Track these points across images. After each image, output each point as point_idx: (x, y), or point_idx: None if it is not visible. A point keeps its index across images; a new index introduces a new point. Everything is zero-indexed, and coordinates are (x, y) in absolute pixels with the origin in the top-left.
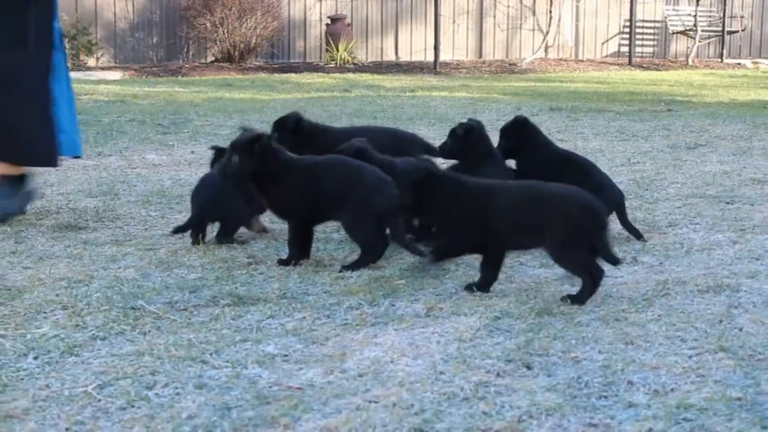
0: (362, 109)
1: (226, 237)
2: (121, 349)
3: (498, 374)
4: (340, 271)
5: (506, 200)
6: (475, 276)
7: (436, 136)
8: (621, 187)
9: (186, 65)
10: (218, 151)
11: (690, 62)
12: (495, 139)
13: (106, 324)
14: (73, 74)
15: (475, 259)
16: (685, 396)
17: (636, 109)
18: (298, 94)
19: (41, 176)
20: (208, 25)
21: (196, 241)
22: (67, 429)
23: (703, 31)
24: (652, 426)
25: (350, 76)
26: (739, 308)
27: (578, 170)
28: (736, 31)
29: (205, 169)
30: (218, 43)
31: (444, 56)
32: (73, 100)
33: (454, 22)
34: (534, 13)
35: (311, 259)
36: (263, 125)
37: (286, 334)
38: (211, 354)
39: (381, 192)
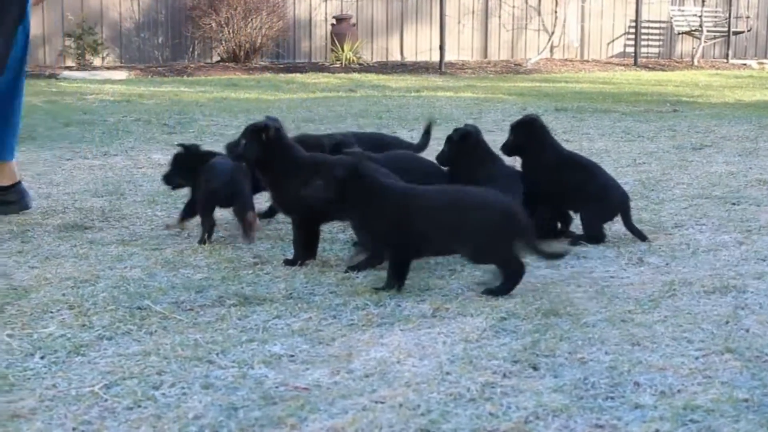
0: (367, 109)
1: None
2: (128, 349)
3: (504, 375)
4: (346, 272)
5: (425, 203)
6: (480, 276)
7: (441, 136)
8: (626, 187)
9: (191, 65)
10: (184, 148)
11: (695, 63)
12: (499, 140)
13: (113, 324)
14: (78, 74)
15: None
16: (692, 397)
17: (641, 110)
18: (303, 94)
19: (47, 176)
20: (214, 25)
21: (202, 240)
22: (74, 429)
23: (708, 31)
24: (659, 427)
25: (355, 76)
26: (746, 309)
27: (582, 172)
28: (742, 32)
29: None
30: (224, 43)
31: (449, 56)
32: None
33: (459, 22)
34: (539, 14)
35: (317, 260)
36: None
37: (292, 334)
38: (217, 354)
39: None
